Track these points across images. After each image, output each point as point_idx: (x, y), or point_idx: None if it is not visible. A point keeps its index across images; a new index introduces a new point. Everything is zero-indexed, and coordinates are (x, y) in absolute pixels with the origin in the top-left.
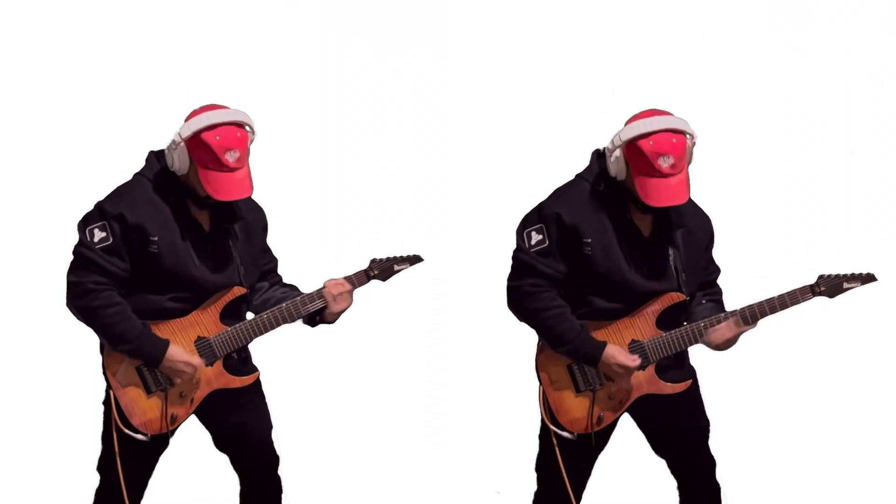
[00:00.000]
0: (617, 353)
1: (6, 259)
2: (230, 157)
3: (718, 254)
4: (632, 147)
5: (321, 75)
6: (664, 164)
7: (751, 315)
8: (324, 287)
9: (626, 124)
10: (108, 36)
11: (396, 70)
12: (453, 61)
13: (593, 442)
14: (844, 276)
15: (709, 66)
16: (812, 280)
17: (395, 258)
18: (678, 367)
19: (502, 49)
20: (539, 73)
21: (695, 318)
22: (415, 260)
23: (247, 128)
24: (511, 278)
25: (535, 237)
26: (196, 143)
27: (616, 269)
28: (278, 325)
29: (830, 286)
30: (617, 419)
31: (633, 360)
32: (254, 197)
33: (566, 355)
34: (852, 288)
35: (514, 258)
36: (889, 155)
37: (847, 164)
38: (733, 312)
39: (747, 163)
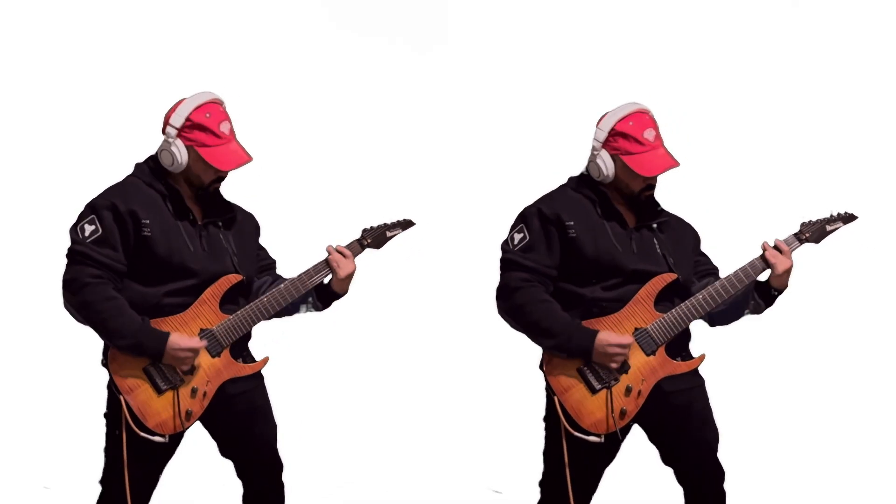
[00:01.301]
0: (608, 335)
1: (6, 271)
2: (224, 129)
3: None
4: (614, 135)
5: (323, 74)
6: (649, 136)
7: (745, 274)
8: (327, 255)
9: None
10: (104, 39)
11: (398, 67)
12: (456, 58)
13: (620, 438)
14: (825, 218)
15: (701, 67)
16: (795, 229)
17: (386, 224)
18: (685, 350)
19: (506, 46)
20: (541, 72)
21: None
22: (406, 224)
23: (223, 104)
24: (499, 281)
25: (517, 237)
26: (190, 128)
27: (605, 249)
28: (282, 304)
29: (815, 231)
30: (639, 412)
31: (626, 338)
32: (253, 197)
33: (557, 351)
34: (836, 229)
35: (500, 263)
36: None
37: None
38: (727, 278)
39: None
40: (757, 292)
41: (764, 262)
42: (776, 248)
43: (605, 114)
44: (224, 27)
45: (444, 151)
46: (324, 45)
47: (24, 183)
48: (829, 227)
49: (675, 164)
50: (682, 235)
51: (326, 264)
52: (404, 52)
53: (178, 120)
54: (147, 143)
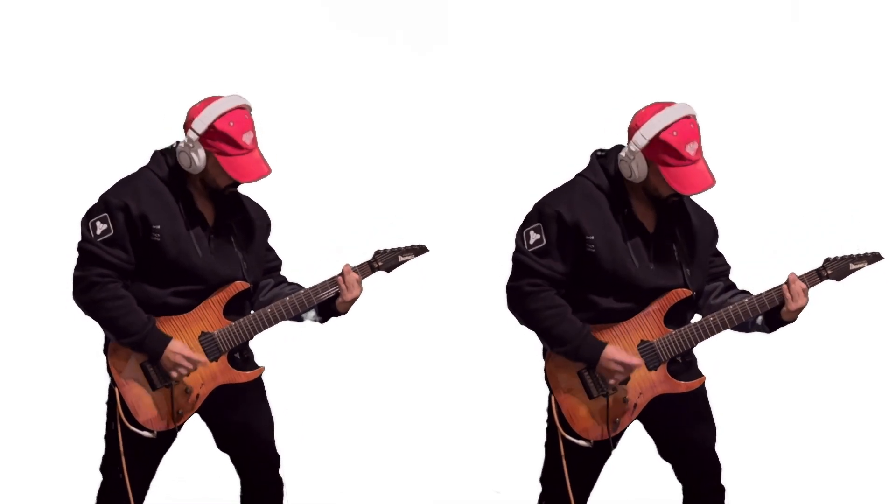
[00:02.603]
0: (616, 351)
1: (9, 261)
2: (247, 139)
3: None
4: (655, 142)
5: (323, 74)
6: (691, 150)
7: (760, 305)
8: (339, 274)
9: (633, 122)
10: (108, 35)
11: (398, 67)
12: (456, 58)
13: (612, 446)
14: (850, 256)
15: (704, 65)
16: (818, 264)
17: (399, 249)
18: (688, 368)
19: (506, 46)
20: (542, 72)
21: (714, 310)
22: (420, 250)
23: (250, 110)
24: (510, 279)
25: (534, 236)
26: (212, 135)
27: (622, 265)
28: (285, 317)
29: (837, 269)
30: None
31: (634, 359)
32: (255, 198)
33: (565, 356)
34: (859, 269)
35: (513, 259)
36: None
37: (845, 159)
38: (742, 305)
39: (745, 160)
40: (765, 317)
41: (781, 297)
42: (795, 285)
43: (647, 111)
44: (224, 28)
45: (446, 151)
46: (324, 46)
47: (33, 174)
48: (852, 266)
49: (712, 183)
50: (701, 233)
51: (335, 284)
52: (404, 52)
53: (200, 126)
54: (156, 135)
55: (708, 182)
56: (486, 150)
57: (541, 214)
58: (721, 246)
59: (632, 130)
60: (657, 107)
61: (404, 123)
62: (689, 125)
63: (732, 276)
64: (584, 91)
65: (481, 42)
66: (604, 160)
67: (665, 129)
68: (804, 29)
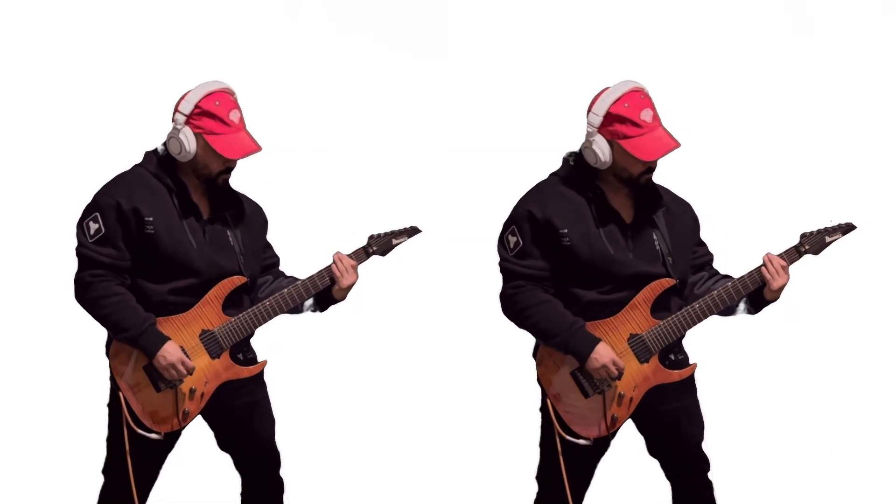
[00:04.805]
0: (608, 350)
1: (10, 262)
2: (234, 117)
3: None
4: (609, 118)
5: (317, 73)
6: (646, 117)
7: (743, 287)
8: (332, 262)
9: (587, 110)
10: (106, 38)
11: (394, 66)
12: (452, 58)
13: (610, 442)
14: (825, 229)
15: (702, 66)
16: (795, 241)
17: (392, 232)
18: (678, 346)
19: (505, 45)
20: (540, 70)
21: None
22: (412, 232)
23: (234, 94)
24: (501, 287)
25: (512, 240)
26: (199, 115)
27: (600, 254)
28: (284, 309)
29: (814, 243)
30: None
31: (618, 366)
32: (250, 195)
33: (557, 349)
34: (835, 240)
35: (499, 269)
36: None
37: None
38: (725, 289)
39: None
40: (749, 299)
41: (761, 276)
42: (773, 264)
43: (597, 95)
44: (225, 30)
45: (448, 154)
46: (328, 49)
47: (30, 173)
48: (828, 239)
49: (675, 145)
50: (682, 223)
51: (329, 272)
52: (404, 58)
53: (186, 107)
54: (154, 134)
55: (670, 145)
56: (490, 153)
57: (514, 218)
58: (707, 238)
59: (586, 116)
60: (602, 91)
61: (407, 125)
62: (638, 96)
63: (716, 264)
64: (582, 92)
65: (486, 47)
66: (572, 157)
67: (615, 102)
68: (790, 29)
